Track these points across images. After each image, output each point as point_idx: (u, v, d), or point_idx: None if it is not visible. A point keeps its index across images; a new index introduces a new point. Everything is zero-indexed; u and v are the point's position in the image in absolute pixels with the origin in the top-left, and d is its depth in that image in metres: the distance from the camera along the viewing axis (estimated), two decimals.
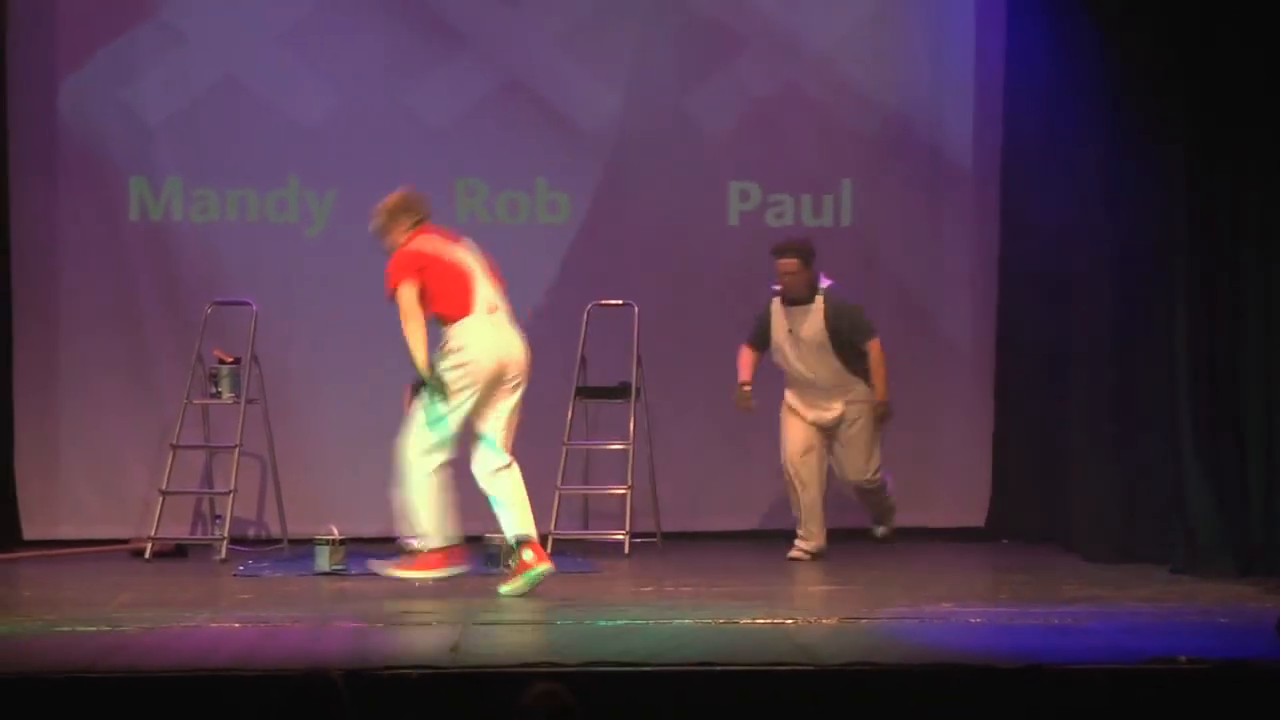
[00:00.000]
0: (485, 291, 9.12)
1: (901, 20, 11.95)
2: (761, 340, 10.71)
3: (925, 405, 11.82)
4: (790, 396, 10.69)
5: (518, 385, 9.15)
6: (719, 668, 6.59)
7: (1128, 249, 10.30)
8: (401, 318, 9.03)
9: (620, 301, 11.43)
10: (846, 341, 10.58)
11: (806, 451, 10.60)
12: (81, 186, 11.49)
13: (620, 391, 11.36)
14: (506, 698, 5.44)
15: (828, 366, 10.59)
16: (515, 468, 9.12)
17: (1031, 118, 11.41)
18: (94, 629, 7.70)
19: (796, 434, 10.64)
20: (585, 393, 11.41)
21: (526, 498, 9.16)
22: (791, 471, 10.61)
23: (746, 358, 10.73)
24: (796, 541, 10.59)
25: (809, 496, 10.58)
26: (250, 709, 6.16)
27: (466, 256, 9.22)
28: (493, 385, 9.05)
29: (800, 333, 10.56)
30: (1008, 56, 11.66)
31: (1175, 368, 9.88)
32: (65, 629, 7.75)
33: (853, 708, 6.39)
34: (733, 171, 11.92)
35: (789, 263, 10.53)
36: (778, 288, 10.63)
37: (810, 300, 10.56)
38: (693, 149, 11.86)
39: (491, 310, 9.10)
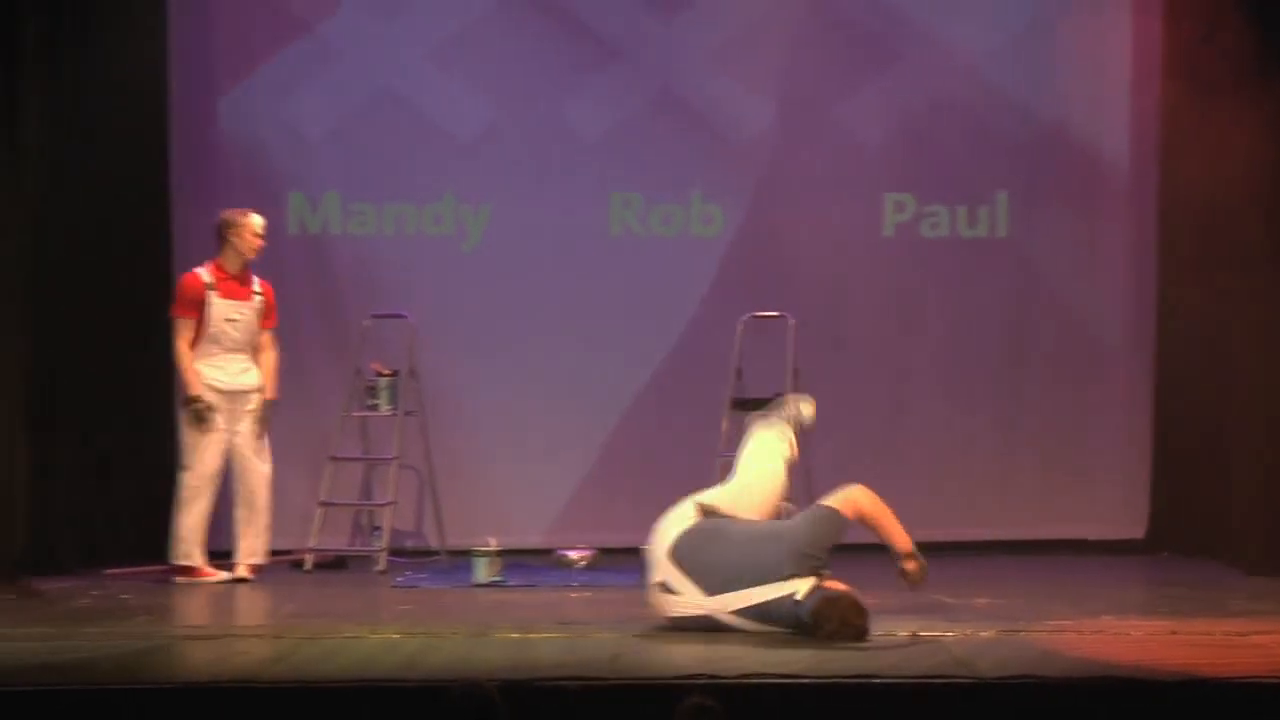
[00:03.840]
0: None
1: (1057, 29, 11.83)
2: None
3: (1083, 415, 11.73)
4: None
5: None
6: (877, 681, 6.57)
7: None
8: None
9: (775, 313, 11.39)
10: None
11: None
12: (241, 201, 11.58)
13: None
14: (666, 709, 5.46)
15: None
16: None
17: (1189, 124, 11.25)
18: (259, 638, 7.79)
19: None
20: (740, 404, 11.38)
21: None
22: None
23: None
24: None
25: None
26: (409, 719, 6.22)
27: None
28: None
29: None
30: (1165, 62, 11.52)
31: None
32: (228, 638, 7.85)
33: None
34: (887, 183, 11.87)
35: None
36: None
37: None
38: (847, 160, 11.83)
39: None
